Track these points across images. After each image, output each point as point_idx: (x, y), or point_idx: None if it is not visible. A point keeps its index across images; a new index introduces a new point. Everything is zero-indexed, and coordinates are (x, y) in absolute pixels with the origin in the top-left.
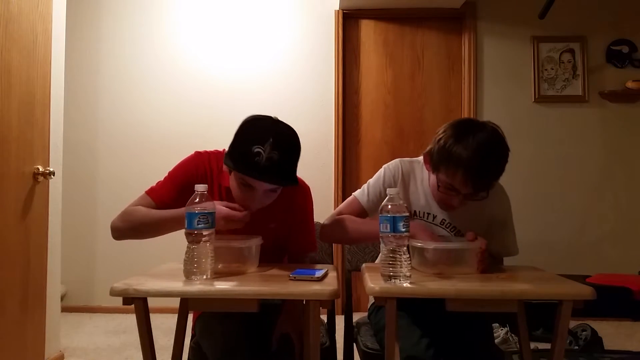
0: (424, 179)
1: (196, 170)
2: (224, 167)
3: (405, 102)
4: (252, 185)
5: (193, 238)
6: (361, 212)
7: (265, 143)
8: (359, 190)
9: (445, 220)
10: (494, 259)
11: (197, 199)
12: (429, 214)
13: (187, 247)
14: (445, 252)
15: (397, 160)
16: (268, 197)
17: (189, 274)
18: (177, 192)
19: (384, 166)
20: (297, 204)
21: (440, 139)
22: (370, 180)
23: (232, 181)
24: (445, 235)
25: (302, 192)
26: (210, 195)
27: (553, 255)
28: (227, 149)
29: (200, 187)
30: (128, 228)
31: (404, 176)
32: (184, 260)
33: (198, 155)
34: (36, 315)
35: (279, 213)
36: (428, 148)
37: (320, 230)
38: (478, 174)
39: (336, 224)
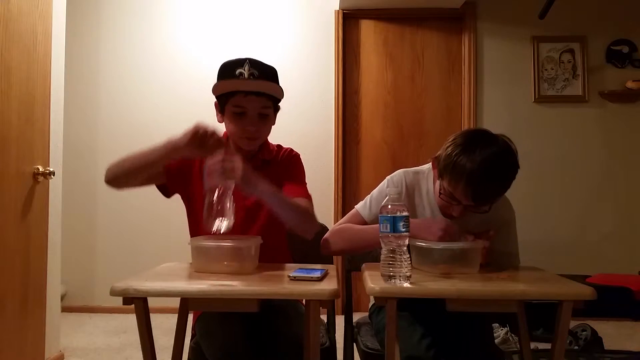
0: (429, 190)
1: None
2: (217, 117)
3: (405, 102)
4: (243, 108)
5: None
6: (363, 225)
7: (244, 64)
8: (361, 203)
9: None
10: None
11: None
12: None
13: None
14: (448, 252)
15: (401, 171)
16: (261, 122)
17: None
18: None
19: (387, 177)
20: (292, 165)
21: (449, 146)
22: (373, 192)
23: (226, 123)
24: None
25: (296, 155)
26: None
27: (553, 255)
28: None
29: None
30: (115, 165)
31: (408, 188)
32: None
33: None
34: (36, 315)
35: (280, 178)
36: (437, 153)
37: (321, 243)
38: (479, 188)
39: (336, 235)
